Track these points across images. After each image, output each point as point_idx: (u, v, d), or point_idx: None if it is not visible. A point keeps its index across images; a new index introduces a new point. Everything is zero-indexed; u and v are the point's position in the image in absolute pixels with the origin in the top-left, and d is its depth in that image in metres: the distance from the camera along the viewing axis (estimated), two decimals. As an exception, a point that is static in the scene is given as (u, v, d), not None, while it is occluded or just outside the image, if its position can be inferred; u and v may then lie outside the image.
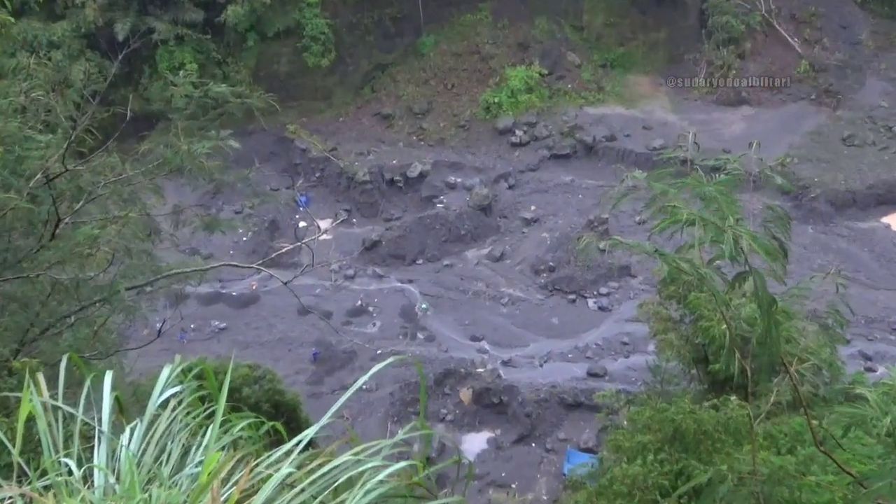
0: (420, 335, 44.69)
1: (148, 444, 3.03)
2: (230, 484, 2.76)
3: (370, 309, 46.97)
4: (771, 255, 5.31)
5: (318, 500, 2.74)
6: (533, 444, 38.13)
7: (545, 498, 34.84)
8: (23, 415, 2.87)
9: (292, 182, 55.29)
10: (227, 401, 3.11)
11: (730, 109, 58.60)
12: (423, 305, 46.85)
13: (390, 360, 3.25)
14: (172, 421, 3.12)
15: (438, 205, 53.01)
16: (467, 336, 44.51)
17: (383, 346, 42.23)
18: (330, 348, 43.03)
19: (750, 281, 5.23)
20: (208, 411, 3.20)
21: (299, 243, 11.37)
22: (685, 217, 5.48)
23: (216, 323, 45.37)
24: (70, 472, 2.87)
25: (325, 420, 3.15)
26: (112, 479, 2.88)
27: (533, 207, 53.51)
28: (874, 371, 34.81)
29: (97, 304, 9.88)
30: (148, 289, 11.80)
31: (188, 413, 3.20)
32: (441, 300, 46.97)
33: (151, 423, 3.11)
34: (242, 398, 16.92)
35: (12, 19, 9.36)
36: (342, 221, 51.66)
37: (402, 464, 2.83)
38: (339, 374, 41.33)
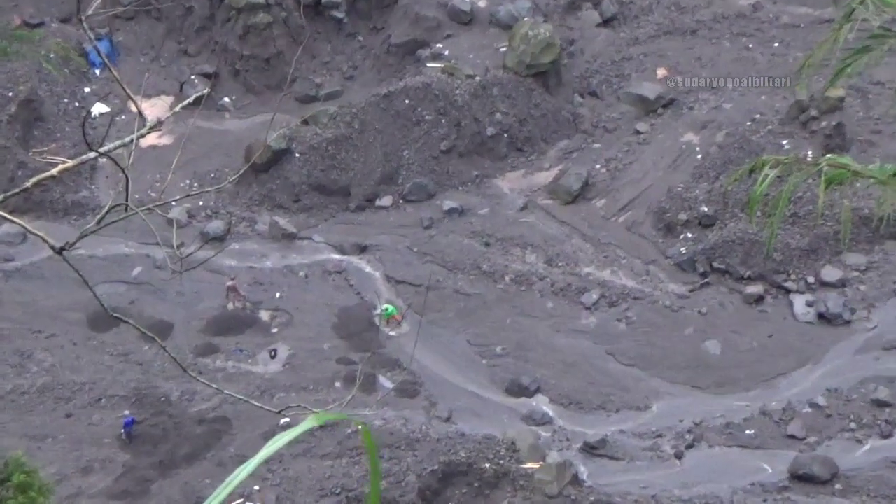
0: (385, 380, 45.02)
1: None
2: None
3: (263, 316, 47.22)
4: None
5: None
6: None
7: None
8: None
9: (77, 7, 55.56)
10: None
11: None
12: (388, 307, 47.05)
13: (307, 422, 3.44)
14: None
15: (430, 63, 53.06)
16: (499, 382, 44.89)
17: (296, 403, 42.85)
18: (166, 410, 43.46)
19: None
20: None
21: (94, 155, 11.15)
22: None
23: None
24: None
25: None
26: None
27: (662, 71, 53.45)
28: None
29: None
30: None
31: None
32: (437, 294, 47.29)
33: None
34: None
35: None
36: (198, 101, 51.87)
37: None
38: (188, 473, 41.79)
